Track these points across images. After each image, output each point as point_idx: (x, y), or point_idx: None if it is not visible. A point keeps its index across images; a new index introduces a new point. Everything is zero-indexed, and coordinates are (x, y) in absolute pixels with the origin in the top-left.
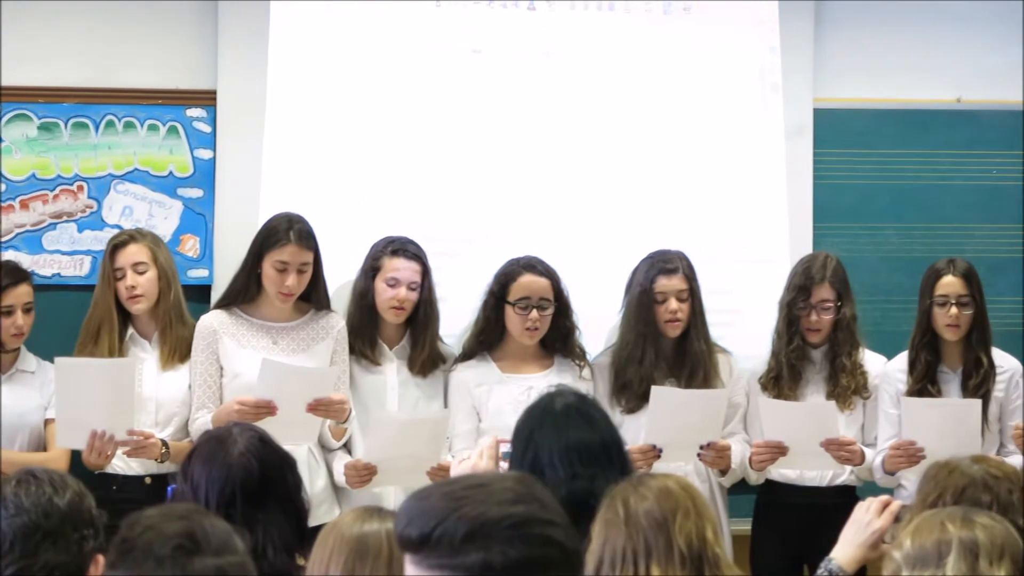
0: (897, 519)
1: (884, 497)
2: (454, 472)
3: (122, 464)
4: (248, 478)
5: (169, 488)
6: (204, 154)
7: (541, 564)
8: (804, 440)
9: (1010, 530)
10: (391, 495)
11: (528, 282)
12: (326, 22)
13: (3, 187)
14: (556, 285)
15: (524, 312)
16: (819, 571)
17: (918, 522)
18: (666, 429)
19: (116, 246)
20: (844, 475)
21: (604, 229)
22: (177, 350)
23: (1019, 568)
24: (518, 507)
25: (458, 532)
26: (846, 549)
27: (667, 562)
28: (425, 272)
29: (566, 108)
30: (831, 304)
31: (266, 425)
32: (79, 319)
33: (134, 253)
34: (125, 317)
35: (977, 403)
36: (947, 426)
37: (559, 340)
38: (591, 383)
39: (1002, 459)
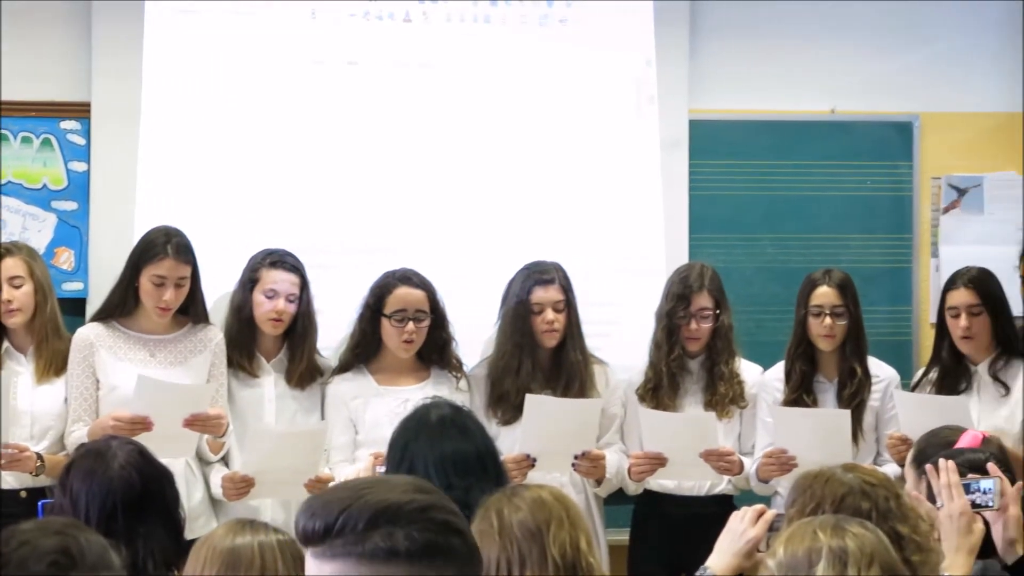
0: (772, 528)
1: (759, 506)
2: None
3: None
4: (129, 492)
5: (40, 503)
6: (78, 166)
7: (444, 551)
8: (683, 450)
9: (881, 538)
10: (268, 508)
11: (404, 294)
12: (201, 33)
13: None
14: (432, 297)
15: (400, 324)
16: None
17: (791, 530)
18: (540, 439)
19: None
20: (722, 484)
21: (481, 241)
22: (53, 363)
23: (888, 575)
24: (420, 495)
25: (362, 517)
26: (721, 557)
27: (541, 572)
28: (303, 284)
29: (443, 120)
30: (710, 312)
31: (143, 439)
32: None
33: (10, 267)
34: (0, 330)
35: (847, 413)
36: (818, 435)
37: (435, 352)
38: (468, 395)
39: (874, 467)
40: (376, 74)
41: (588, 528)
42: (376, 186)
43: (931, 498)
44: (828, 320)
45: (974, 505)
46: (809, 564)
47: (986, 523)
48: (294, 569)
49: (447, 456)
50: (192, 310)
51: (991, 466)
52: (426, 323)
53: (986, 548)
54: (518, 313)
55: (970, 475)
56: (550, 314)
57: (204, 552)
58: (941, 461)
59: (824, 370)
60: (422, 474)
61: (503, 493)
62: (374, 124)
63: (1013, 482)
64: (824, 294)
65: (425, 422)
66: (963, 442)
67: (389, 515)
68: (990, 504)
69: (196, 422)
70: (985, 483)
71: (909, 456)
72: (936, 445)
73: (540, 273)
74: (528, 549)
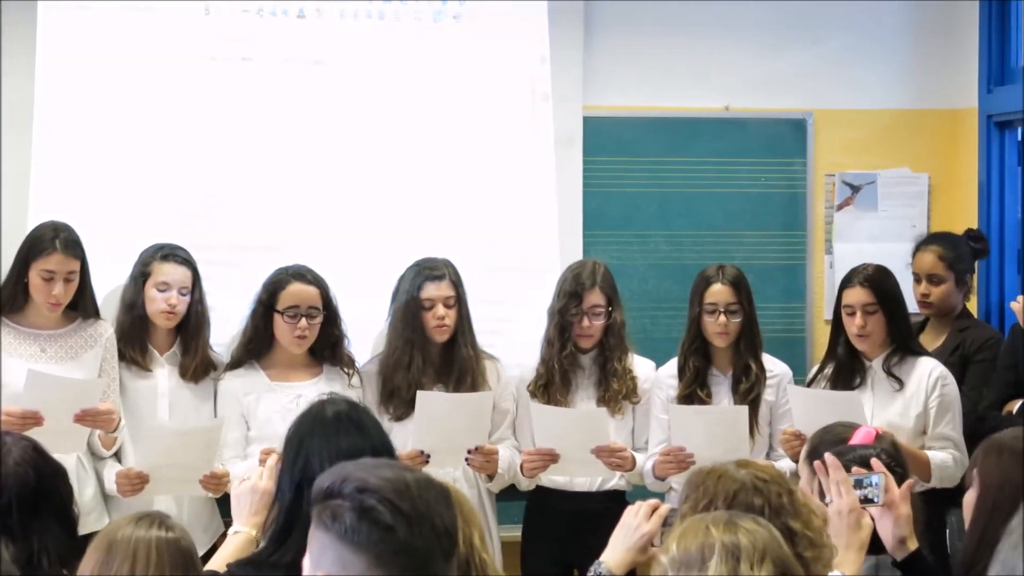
0: (666, 523)
1: (653, 501)
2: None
3: None
4: (24, 488)
5: None
6: None
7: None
8: (575, 446)
9: (773, 534)
10: (161, 504)
11: (297, 291)
12: (95, 30)
13: None
14: (325, 294)
15: (293, 321)
16: (588, 575)
17: (684, 527)
18: (433, 434)
19: None
20: (614, 480)
21: (374, 238)
22: None
23: (780, 570)
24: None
25: (320, 488)
26: (615, 552)
27: None
28: (195, 278)
29: (337, 116)
30: (602, 309)
31: (33, 434)
32: None
33: None
34: None
35: (744, 409)
36: (715, 432)
37: (328, 348)
38: (360, 391)
39: (769, 463)
40: (270, 71)
41: (481, 524)
42: (270, 182)
43: (823, 494)
44: (722, 318)
45: (865, 501)
46: (702, 560)
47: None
48: (166, 569)
49: (343, 452)
50: (82, 305)
51: (875, 462)
52: (319, 319)
53: (879, 543)
54: (409, 309)
55: (861, 471)
56: (440, 310)
57: (96, 539)
58: (828, 457)
59: (718, 366)
60: (317, 470)
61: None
62: (268, 121)
63: (906, 478)
64: (718, 291)
65: (321, 418)
66: (856, 438)
67: (335, 490)
68: (875, 500)
69: (87, 417)
70: (876, 479)
71: (803, 452)
72: (829, 441)
73: (431, 269)
74: None
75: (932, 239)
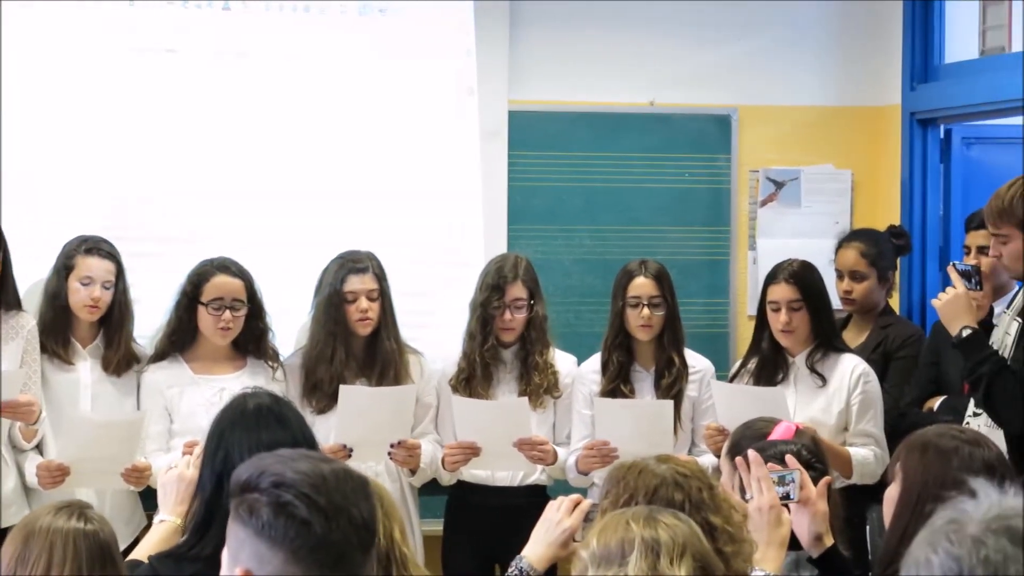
0: (588, 518)
1: (575, 496)
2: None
3: None
4: None
5: None
6: None
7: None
8: (497, 440)
9: (693, 529)
10: (84, 495)
11: (221, 283)
12: (18, 21)
13: None
14: (249, 286)
15: (217, 312)
16: (510, 570)
17: (605, 521)
18: (356, 428)
19: None
20: (535, 475)
21: (299, 230)
22: None
23: (700, 566)
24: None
25: (237, 480)
26: (536, 547)
27: None
28: (119, 271)
29: (262, 109)
30: (524, 303)
31: None
32: None
33: None
34: None
35: (669, 403)
36: (640, 426)
37: (252, 342)
38: (284, 384)
39: (691, 458)
40: (195, 63)
41: (402, 518)
42: (195, 175)
43: (744, 490)
44: (645, 311)
45: (787, 498)
46: (622, 555)
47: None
48: (83, 562)
49: (264, 445)
50: (3, 297)
51: (789, 458)
52: (243, 312)
53: (794, 539)
54: (332, 302)
55: (777, 468)
56: (364, 303)
57: (14, 529)
58: (750, 454)
59: (641, 361)
60: (238, 463)
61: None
62: (193, 113)
63: (825, 474)
64: (641, 285)
65: (242, 411)
66: (776, 434)
67: (252, 484)
68: (790, 496)
69: (7, 409)
70: (793, 475)
71: (724, 447)
72: (750, 437)
73: (354, 262)
74: None
75: (854, 235)
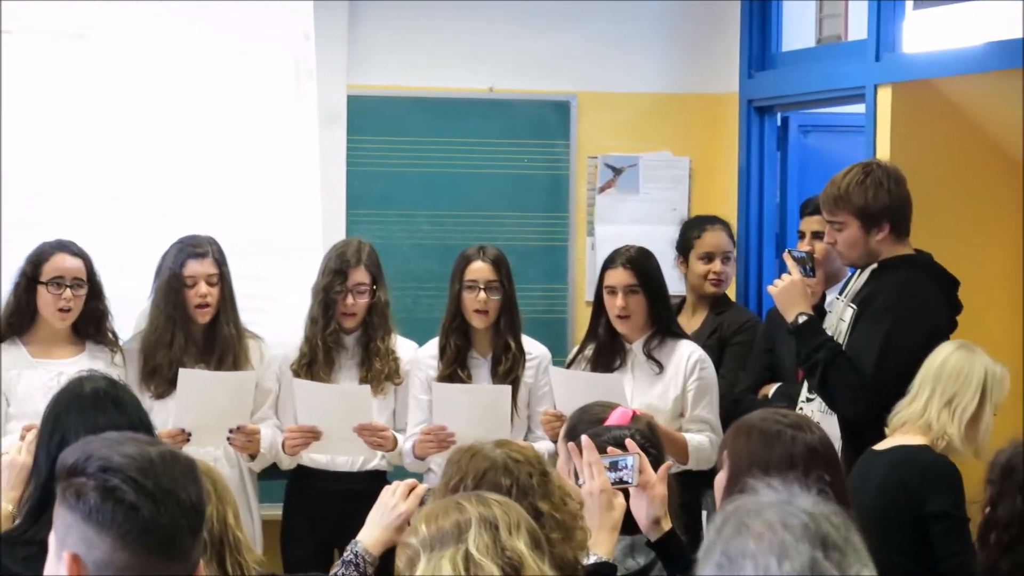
0: (423, 502)
1: (410, 481)
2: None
3: None
4: None
5: None
6: None
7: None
8: (337, 425)
9: (521, 511)
10: None
11: (61, 261)
12: None
13: None
14: (89, 266)
15: (57, 292)
16: (345, 554)
17: (432, 507)
18: (195, 412)
19: None
20: (375, 460)
21: (138, 215)
22: None
23: (535, 540)
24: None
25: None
26: (372, 531)
27: None
28: None
29: (99, 92)
30: (366, 288)
31: None
32: None
33: None
34: None
35: (507, 389)
36: (477, 412)
37: (91, 324)
38: (123, 369)
39: (528, 444)
40: (31, 44)
41: (236, 502)
42: (32, 157)
43: (579, 476)
44: (482, 295)
45: (622, 482)
46: (459, 533)
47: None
48: None
49: (100, 429)
50: None
51: (629, 442)
52: (83, 292)
53: (634, 523)
54: (171, 286)
55: (617, 452)
56: (203, 288)
57: None
58: (583, 439)
59: (478, 346)
60: None
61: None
62: (28, 95)
63: (661, 459)
64: (478, 269)
65: (78, 395)
66: (612, 419)
67: (78, 468)
68: (626, 480)
69: None
70: (631, 460)
71: (561, 432)
72: (587, 422)
73: (193, 247)
74: None
75: (712, 219)
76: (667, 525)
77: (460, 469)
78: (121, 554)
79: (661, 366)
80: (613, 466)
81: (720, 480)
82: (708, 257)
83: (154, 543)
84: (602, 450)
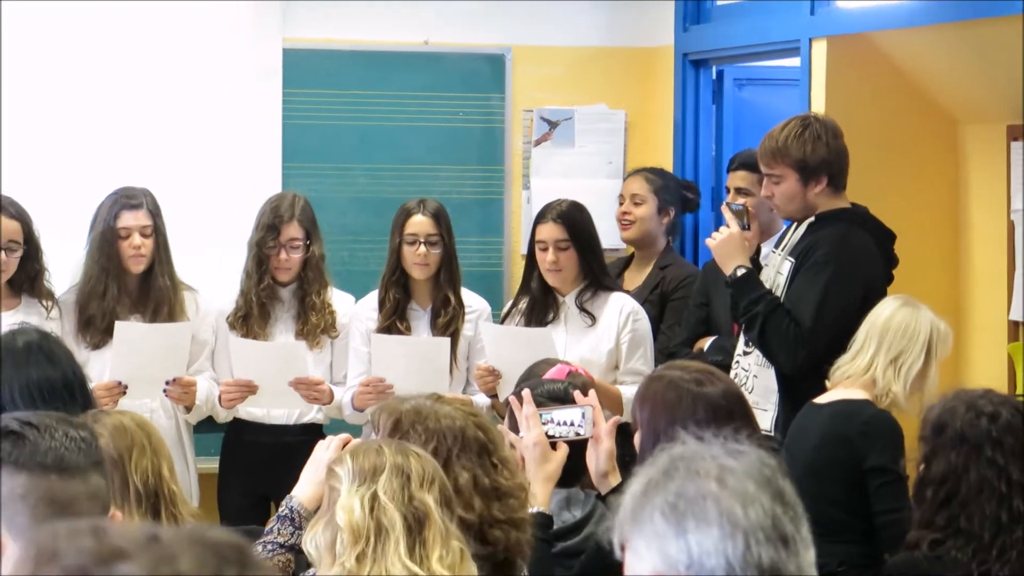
0: None
1: (344, 435)
2: None
3: None
4: None
5: None
6: None
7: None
8: (273, 378)
9: (438, 468)
10: None
11: None
12: None
13: None
14: (27, 227)
15: None
16: (280, 510)
17: (359, 446)
18: (131, 365)
19: None
20: (312, 413)
21: (75, 168)
22: None
23: (445, 496)
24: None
25: None
26: (306, 487)
27: (123, 500)
28: None
29: (37, 46)
30: (300, 242)
31: None
32: None
33: None
34: None
35: (446, 341)
36: (416, 363)
37: (27, 281)
38: (59, 322)
39: (465, 397)
40: None
41: (170, 455)
42: None
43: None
44: (422, 249)
45: (577, 435)
46: (373, 474)
47: (578, 453)
48: None
49: (33, 383)
50: None
51: (578, 395)
52: (18, 253)
53: (570, 477)
54: (105, 238)
55: (551, 405)
56: (137, 239)
57: None
58: (525, 392)
59: (418, 299)
60: (8, 401)
61: (84, 419)
62: None
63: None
64: (419, 223)
65: (11, 348)
66: (549, 374)
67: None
68: (580, 433)
69: None
70: (562, 414)
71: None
72: (533, 379)
73: (128, 198)
74: (110, 476)
75: (646, 169)
76: (615, 479)
77: (391, 415)
78: (19, 479)
79: (594, 318)
80: (566, 419)
81: (639, 440)
82: (620, 200)
83: (48, 462)
84: (537, 404)
